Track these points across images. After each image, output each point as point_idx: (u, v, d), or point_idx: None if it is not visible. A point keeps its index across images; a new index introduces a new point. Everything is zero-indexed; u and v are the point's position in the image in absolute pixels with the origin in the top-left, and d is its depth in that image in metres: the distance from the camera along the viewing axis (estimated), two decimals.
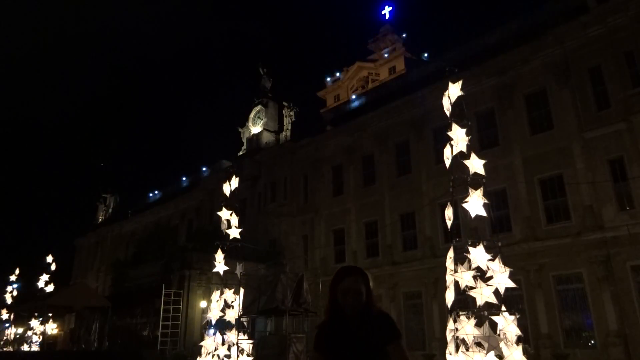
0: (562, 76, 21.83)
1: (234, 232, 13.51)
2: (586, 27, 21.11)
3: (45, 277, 30.52)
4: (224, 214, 13.71)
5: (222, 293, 13.02)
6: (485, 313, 7.31)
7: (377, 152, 29.04)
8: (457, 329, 7.22)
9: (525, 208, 21.88)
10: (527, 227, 21.53)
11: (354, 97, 37.84)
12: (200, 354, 12.92)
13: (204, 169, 43.33)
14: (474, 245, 7.63)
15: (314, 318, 18.79)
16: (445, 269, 7.87)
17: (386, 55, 49.91)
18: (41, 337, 27.30)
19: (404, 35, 51.79)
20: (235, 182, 14.09)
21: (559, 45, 21.95)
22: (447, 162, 8.57)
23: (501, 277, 7.46)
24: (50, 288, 29.89)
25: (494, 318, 7.32)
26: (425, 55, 47.47)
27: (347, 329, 2.86)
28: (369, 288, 2.91)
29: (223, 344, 12.58)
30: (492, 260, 7.60)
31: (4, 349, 29.67)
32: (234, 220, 13.64)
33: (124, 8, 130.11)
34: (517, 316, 7.48)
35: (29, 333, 27.66)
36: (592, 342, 19.16)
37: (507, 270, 7.52)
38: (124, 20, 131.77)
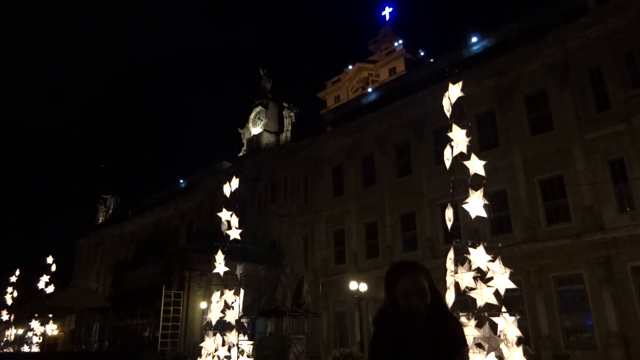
0: (562, 77, 21.83)
1: (234, 233, 13.52)
2: (586, 28, 21.10)
3: (45, 278, 30.56)
4: (224, 214, 13.72)
5: (222, 294, 13.04)
6: (486, 314, 7.31)
7: (377, 153, 29.04)
8: None
9: (525, 209, 21.86)
10: (528, 228, 21.51)
11: (353, 98, 37.86)
12: (200, 355, 12.92)
13: (204, 170, 43.36)
14: (474, 246, 7.63)
15: (314, 319, 18.80)
16: (446, 269, 7.87)
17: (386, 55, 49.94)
18: (41, 338, 27.29)
19: (404, 36, 51.89)
20: (235, 183, 14.11)
21: (559, 46, 21.94)
22: (448, 163, 8.57)
23: (501, 278, 7.46)
24: (50, 289, 29.91)
25: (495, 319, 7.33)
26: (423, 54, 47.49)
27: (412, 339, 2.37)
28: (433, 285, 2.46)
29: (223, 345, 12.59)
30: (493, 261, 7.60)
31: (5, 350, 29.66)
32: (234, 221, 13.65)
33: (124, 11, 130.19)
34: (518, 317, 7.49)
35: (29, 334, 27.66)
36: (593, 342, 19.14)
37: (507, 271, 7.52)
38: (124, 24, 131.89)
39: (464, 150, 8.35)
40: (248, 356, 12.78)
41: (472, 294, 7.38)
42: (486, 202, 8.04)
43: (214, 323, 12.85)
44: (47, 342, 28.96)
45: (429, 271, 2.51)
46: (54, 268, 30.87)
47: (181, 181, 47.41)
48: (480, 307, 7.30)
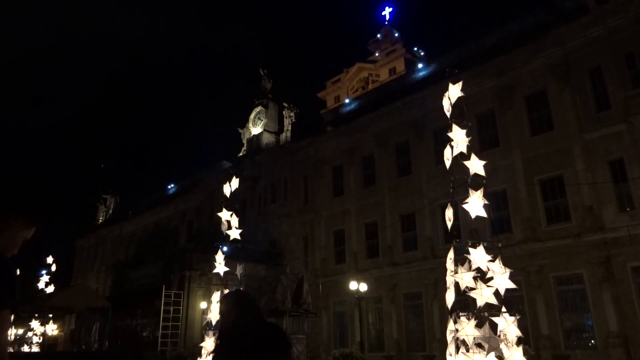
0: (562, 77, 21.83)
1: (234, 233, 13.50)
2: (586, 28, 21.12)
3: (45, 278, 30.54)
4: (224, 214, 13.70)
5: (222, 294, 13.01)
6: (486, 314, 7.30)
7: (377, 153, 29.04)
8: (457, 330, 7.22)
9: (525, 209, 21.87)
10: (528, 228, 21.52)
11: (351, 98, 37.83)
12: (200, 355, 12.91)
13: (204, 170, 43.37)
14: (474, 246, 7.62)
15: (314, 319, 18.82)
16: (446, 269, 7.86)
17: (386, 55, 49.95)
18: (41, 338, 27.27)
19: (404, 36, 51.92)
20: (235, 183, 14.08)
21: (559, 46, 21.96)
22: (448, 163, 8.55)
23: (501, 278, 7.45)
24: (50, 289, 29.89)
25: (495, 319, 7.32)
26: (423, 54, 47.51)
27: (236, 350, 2.98)
28: (233, 308, 3.07)
29: None
30: (493, 261, 7.59)
31: None
32: (234, 221, 13.63)
33: (124, 12, 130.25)
34: (518, 317, 7.47)
35: (29, 334, 27.64)
36: (593, 342, 19.16)
37: (508, 271, 7.51)
38: (124, 25, 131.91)
39: (464, 150, 8.33)
40: None
41: (472, 294, 7.37)
42: (486, 202, 8.03)
43: (214, 323, 12.82)
44: (47, 342, 28.93)
45: (233, 296, 3.27)
46: (54, 268, 30.87)
47: (181, 181, 47.43)
48: (480, 307, 7.29)
